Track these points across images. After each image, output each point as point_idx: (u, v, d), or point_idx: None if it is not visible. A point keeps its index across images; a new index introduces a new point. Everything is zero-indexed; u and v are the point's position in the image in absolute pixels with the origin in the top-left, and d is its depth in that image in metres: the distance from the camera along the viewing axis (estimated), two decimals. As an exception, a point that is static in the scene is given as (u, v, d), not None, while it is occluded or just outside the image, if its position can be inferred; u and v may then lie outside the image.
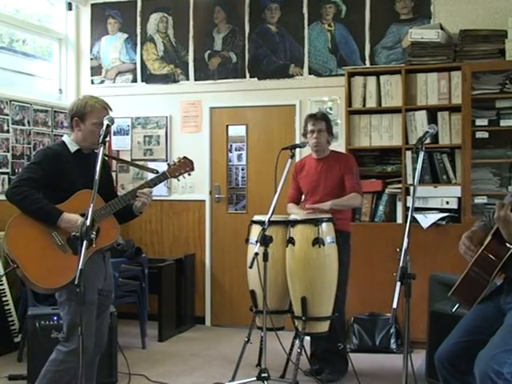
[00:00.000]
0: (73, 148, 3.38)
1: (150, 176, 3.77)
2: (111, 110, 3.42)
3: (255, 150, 6.21)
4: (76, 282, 2.73)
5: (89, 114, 3.34)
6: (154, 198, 6.22)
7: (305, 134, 4.70)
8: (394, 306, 2.59)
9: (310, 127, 4.63)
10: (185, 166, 3.62)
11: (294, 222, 4.33)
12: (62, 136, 6.30)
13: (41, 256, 3.21)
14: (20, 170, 5.55)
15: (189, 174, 3.64)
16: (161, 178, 3.55)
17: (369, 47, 5.82)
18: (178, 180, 3.65)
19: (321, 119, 4.63)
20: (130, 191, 3.44)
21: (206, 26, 6.31)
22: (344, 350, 4.49)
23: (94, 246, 3.03)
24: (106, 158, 3.88)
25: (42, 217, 3.22)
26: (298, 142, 5.64)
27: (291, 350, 4.50)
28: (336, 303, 4.40)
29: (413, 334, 3.34)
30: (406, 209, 5.32)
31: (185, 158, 3.65)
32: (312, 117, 4.68)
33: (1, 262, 5.15)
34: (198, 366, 4.92)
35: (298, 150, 4.80)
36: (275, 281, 4.33)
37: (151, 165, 6.39)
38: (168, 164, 3.63)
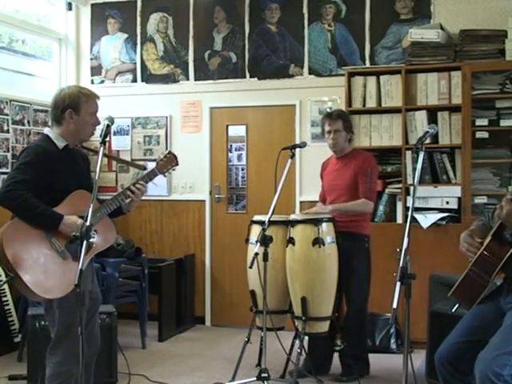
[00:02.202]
0: (61, 144, 3.22)
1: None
2: (99, 98, 3.34)
3: (255, 150, 6.21)
4: (76, 283, 2.71)
5: (84, 103, 3.21)
6: (154, 198, 6.35)
7: (323, 133, 4.66)
8: (394, 305, 2.59)
9: (326, 127, 4.56)
10: (171, 161, 3.53)
11: (294, 222, 4.33)
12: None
13: (41, 264, 3.03)
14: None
15: (173, 169, 3.58)
16: (151, 175, 3.45)
17: (369, 47, 5.82)
18: (165, 176, 3.58)
19: (337, 119, 4.54)
20: (122, 191, 3.33)
21: (206, 26, 6.31)
22: (343, 350, 4.49)
23: (94, 246, 3.02)
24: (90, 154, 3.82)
25: (43, 222, 3.05)
26: (298, 141, 5.65)
27: (291, 349, 4.49)
28: (356, 313, 4.49)
29: (413, 334, 3.34)
30: (406, 209, 5.32)
31: (170, 152, 3.57)
32: (328, 116, 4.61)
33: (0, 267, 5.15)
34: (198, 366, 4.92)
35: (300, 149, 4.79)
36: (275, 281, 4.32)
37: (152, 165, 6.38)
38: (156, 160, 3.57)
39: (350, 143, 4.66)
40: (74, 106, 3.20)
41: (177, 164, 3.56)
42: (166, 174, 3.54)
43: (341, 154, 4.62)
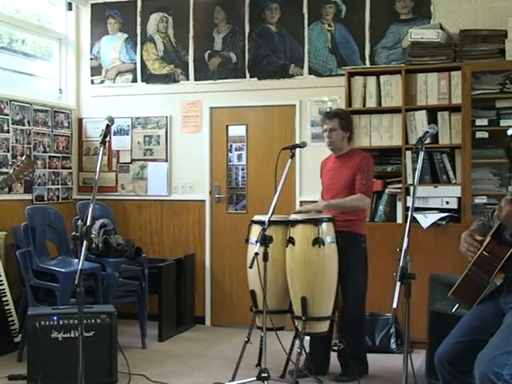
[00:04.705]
0: None
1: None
2: None
3: (255, 150, 6.21)
4: (76, 282, 2.73)
5: None
6: (154, 198, 6.35)
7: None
8: (394, 305, 2.59)
9: (324, 126, 4.62)
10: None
11: (294, 222, 4.33)
12: (61, 136, 6.33)
13: None
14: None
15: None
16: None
17: (369, 47, 5.82)
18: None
19: (334, 117, 4.58)
20: None
21: (206, 26, 6.31)
22: (343, 350, 4.49)
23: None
24: None
25: None
26: (298, 142, 5.65)
27: (291, 349, 4.49)
28: (352, 312, 4.47)
29: (413, 334, 3.34)
30: (406, 209, 5.32)
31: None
32: (326, 115, 4.67)
33: (0, 262, 5.16)
34: (198, 366, 4.92)
35: (300, 149, 4.79)
36: (275, 281, 4.33)
37: (151, 165, 6.42)
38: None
39: (349, 142, 4.68)
40: None
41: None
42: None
43: (339, 153, 4.65)
